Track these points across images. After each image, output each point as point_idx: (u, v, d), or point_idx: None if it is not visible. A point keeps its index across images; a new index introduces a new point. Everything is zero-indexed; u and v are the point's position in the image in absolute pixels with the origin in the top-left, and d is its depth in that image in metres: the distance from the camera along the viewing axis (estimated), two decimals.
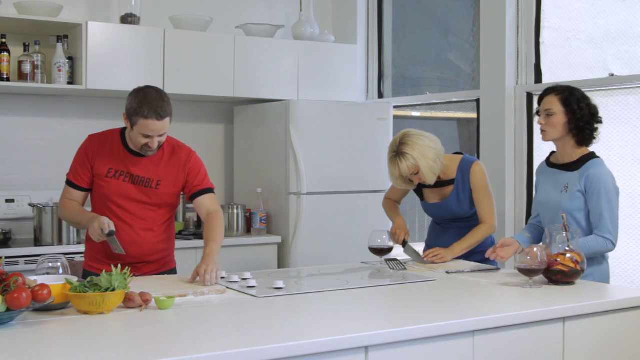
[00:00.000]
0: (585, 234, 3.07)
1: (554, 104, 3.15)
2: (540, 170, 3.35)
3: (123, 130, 3.13)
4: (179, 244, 4.35)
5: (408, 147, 3.32)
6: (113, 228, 2.92)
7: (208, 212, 3.15)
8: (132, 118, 2.96)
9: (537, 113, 3.26)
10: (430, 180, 3.38)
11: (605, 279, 3.14)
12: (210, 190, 3.20)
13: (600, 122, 3.17)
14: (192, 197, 3.18)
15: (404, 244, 3.48)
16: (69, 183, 3.15)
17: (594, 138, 3.16)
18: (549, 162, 3.28)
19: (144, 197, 3.09)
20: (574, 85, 3.21)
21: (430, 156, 3.33)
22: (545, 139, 3.21)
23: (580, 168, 3.11)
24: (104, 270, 2.40)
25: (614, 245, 3.05)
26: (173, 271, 3.25)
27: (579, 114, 3.11)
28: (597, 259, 3.09)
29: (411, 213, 5.27)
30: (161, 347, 2.03)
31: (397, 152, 3.34)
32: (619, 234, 3.07)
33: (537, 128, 4.25)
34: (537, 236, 3.30)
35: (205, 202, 3.17)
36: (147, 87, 3.02)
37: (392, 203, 3.74)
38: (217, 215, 3.13)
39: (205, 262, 2.87)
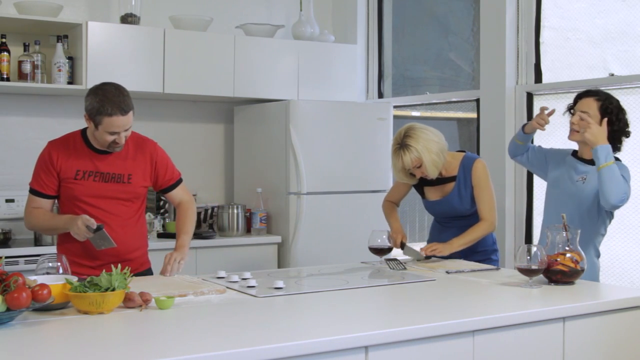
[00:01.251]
0: (592, 223, 3.08)
1: (592, 108, 3.15)
2: (558, 156, 3.36)
3: (83, 130, 3.11)
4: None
5: (412, 140, 3.33)
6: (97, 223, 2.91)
7: (180, 202, 3.27)
8: (95, 118, 2.94)
9: (570, 111, 3.25)
10: (433, 174, 3.39)
11: (594, 277, 3.14)
12: (180, 181, 3.28)
13: (628, 135, 3.20)
14: (163, 191, 3.26)
15: (402, 246, 3.49)
16: (33, 192, 3.09)
17: (619, 150, 3.20)
18: (574, 154, 3.29)
19: (117, 192, 3.07)
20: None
21: (434, 150, 3.34)
22: (573, 138, 3.21)
23: None
24: (104, 270, 2.40)
25: (627, 197, 3.00)
26: (149, 271, 3.24)
27: (617, 126, 3.14)
28: (589, 256, 3.07)
29: (411, 213, 5.27)
30: (161, 347, 2.03)
31: (401, 144, 3.36)
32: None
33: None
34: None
35: (178, 194, 3.28)
36: (104, 85, 3.01)
37: (390, 206, 3.74)
38: (189, 206, 3.26)
39: (174, 252, 3.06)
